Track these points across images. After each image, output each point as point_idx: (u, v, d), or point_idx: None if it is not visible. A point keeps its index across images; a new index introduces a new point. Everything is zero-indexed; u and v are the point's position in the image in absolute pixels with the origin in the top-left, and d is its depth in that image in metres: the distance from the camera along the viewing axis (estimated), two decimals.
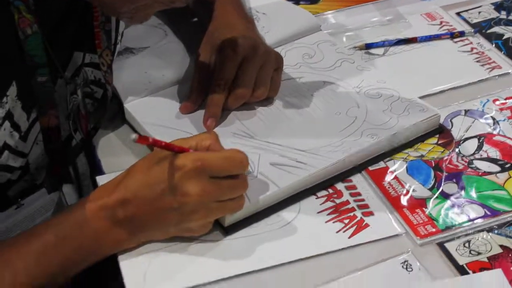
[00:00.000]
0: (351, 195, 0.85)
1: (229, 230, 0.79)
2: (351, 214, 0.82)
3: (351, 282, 0.75)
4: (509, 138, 0.92)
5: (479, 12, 1.19)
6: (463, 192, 0.85)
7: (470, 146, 0.91)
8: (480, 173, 0.87)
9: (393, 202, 0.83)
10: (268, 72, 0.93)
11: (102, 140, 0.95)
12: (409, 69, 1.06)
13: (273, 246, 0.78)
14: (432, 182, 0.86)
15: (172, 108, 0.94)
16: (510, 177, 0.86)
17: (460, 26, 1.15)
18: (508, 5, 1.20)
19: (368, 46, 1.10)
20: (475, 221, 0.81)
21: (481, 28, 1.14)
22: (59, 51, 0.82)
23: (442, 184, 0.86)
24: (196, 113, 0.93)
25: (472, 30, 1.13)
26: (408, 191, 0.85)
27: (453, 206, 0.83)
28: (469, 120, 0.96)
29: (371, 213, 0.82)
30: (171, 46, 1.06)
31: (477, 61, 1.07)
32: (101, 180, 0.84)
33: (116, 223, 0.74)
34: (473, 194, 0.84)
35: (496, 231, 0.80)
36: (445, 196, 0.84)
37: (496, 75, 1.04)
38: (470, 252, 0.77)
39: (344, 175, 0.87)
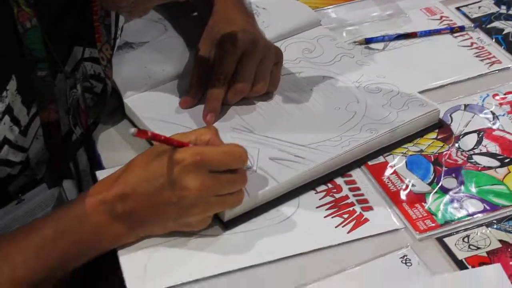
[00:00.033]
0: (350, 190, 0.85)
1: (228, 225, 0.79)
2: (351, 209, 0.82)
3: (350, 277, 0.75)
4: (508, 133, 0.92)
5: (479, 7, 1.19)
6: (462, 187, 0.85)
7: (469, 141, 0.91)
8: (479, 168, 0.87)
9: (393, 197, 0.83)
10: (268, 67, 0.92)
11: (102, 135, 0.95)
12: (408, 64, 1.05)
13: (272, 241, 0.78)
14: (432, 177, 0.86)
15: (172, 103, 0.94)
16: (510, 171, 0.86)
17: (460, 20, 1.15)
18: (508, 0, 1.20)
19: (368, 41, 1.10)
20: (474, 216, 0.81)
21: (481, 23, 1.14)
22: (59, 45, 0.82)
23: (442, 179, 0.86)
24: (195, 107, 0.93)
25: (472, 25, 1.13)
26: (407, 186, 0.85)
27: (452, 201, 0.83)
28: (468, 115, 0.96)
29: (370, 208, 0.82)
30: (171, 41, 1.06)
31: (477, 56, 1.07)
32: (100, 174, 0.84)
33: (116, 217, 0.74)
34: (473, 189, 0.84)
35: (495, 226, 0.80)
36: (444, 191, 0.84)
37: (496, 70, 1.04)
38: (469, 247, 0.77)
39: (343, 170, 0.87)
